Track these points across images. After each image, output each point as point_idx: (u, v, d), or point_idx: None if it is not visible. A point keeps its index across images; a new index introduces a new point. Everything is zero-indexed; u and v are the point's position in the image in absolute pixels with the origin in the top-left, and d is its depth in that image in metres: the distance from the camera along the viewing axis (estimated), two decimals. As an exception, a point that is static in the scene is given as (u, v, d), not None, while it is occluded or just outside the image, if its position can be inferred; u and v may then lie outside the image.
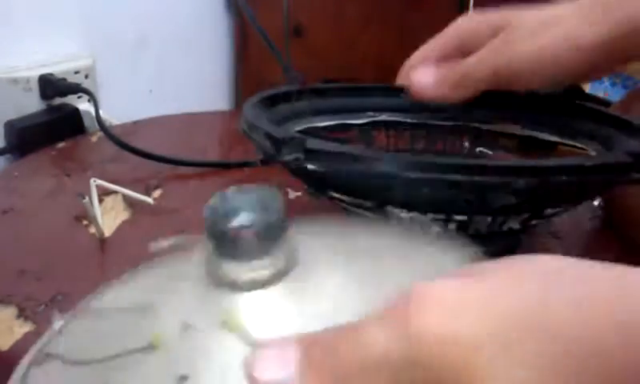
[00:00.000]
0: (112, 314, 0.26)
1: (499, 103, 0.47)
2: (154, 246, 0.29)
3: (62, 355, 0.24)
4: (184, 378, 0.21)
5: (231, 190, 0.24)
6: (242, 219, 0.23)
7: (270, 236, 0.23)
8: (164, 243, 0.28)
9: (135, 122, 0.71)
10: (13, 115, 0.66)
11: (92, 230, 0.45)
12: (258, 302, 0.23)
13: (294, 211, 0.53)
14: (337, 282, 0.25)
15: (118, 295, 0.28)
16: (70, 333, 0.26)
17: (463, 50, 0.42)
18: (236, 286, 0.23)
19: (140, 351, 0.22)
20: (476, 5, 0.80)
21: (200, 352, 0.22)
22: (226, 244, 0.23)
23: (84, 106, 0.71)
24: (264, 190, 0.24)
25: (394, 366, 0.18)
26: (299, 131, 0.45)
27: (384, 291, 0.22)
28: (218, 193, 0.24)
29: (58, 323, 0.26)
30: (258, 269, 0.23)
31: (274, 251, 0.23)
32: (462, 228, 0.34)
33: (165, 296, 0.25)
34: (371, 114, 0.49)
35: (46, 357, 0.24)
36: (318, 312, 0.23)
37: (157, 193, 0.52)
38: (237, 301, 0.23)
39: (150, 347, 0.22)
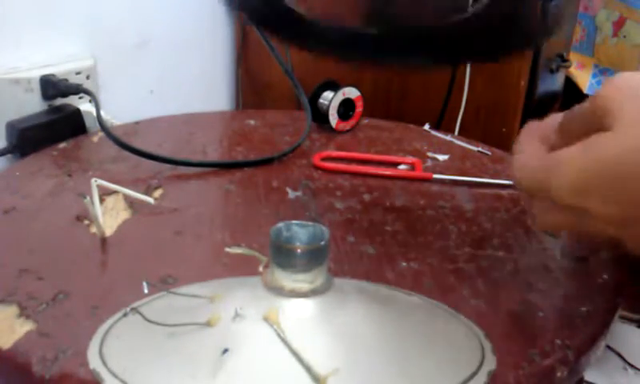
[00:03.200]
0: (186, 298, 0.34)
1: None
2: (229, 250, 0.41)
3: (143, 314, 0.32)
4: (226, 350, 0.28)
5: (293, 222, 0.32)
6: (296, 240, 0.32)
7: (313, 258, 0.31)
8: (237, 250, 0.41)
9: (136, 123, 0.71)
10: (14, 116, 0.66)
11: (93, 229, 0.45)
12: (295, 308, 0.31)
13: (294, 210, 0.53)
14: (361, 312, 0.32)
15: (195, 288, 0.36)
16: (153, 303, 0.35)
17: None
18: (282, 292, 0.31)
19: (199, 325, 0.30)
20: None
21: (243, 335, 0.30)
22: (281, 256, 0.31)
23: (85, 106, 0.71)
24: (316, 226, 0.32)
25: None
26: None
27: (401, 335, 0.32)
28: (284, 222, 0.32)
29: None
30: (301, 282, 0.31)
31: (315, 272, 0.31)
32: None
33: (228, 292, 0.33)
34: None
35: (130, 311, 0.33)
36: (339, 329, 0.30)
37: (157, 193, 0.53)
38: (279, 303, 0.31)
39: (208, 324, 0.30)
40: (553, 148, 0.34)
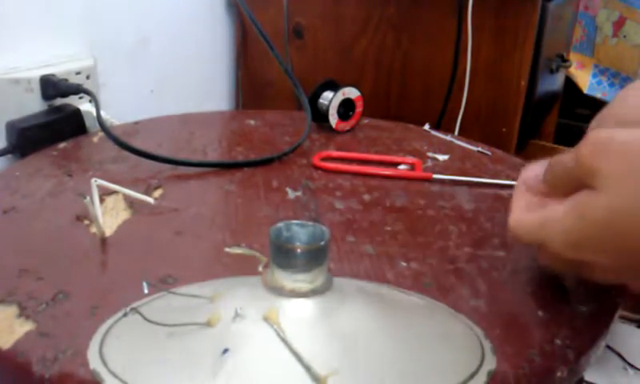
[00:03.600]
0: (186, 298, 0.34)
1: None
2: (229, 250, 0.42)
3: (143, 314, 0.32)
4: (226, 350, 0.28)
5: (293, 222, 0.32)
6: (296, 240, 0.32)
7: (313, 258, 0.31)
8: (237, 250, 0.41)
9: (136, 123, 0.71)
10: (14, 115, 0.66)
11: (93, 229, 0.45)
12: (295, 308, 0.31)
13: (294, 210, 0.53)
14: (361, 312, 0.32)
15: (195, 288, 0.36)
16: (153, 303, 0.35)
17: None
18: (282, 292, 0.31)
19: (199, 325, 0.30)
20: (475, 7, 0.80)
21: (243, 335, 0.29)
22: (281, 256, 0.31)
23: (85, 106, 0.71)
24: (316, 226, 0.32)
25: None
26: None
27: (401, 335, 0.31)
28: (284, 222, 0.32)
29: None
30: (300, 282, 0.31)
31: (315, 272, 0.31)
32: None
33: (228, 292, 0.33)
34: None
35: (130, 311, 0.33)
36: (339, 329, 0.30)
37: (157, 193, 0.53)
38: (279, 303, 0.30)
39: (208, 324, 0.30)
40: (541, 197, 0.37)
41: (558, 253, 0.34)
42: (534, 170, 0.38)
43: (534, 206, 0.37)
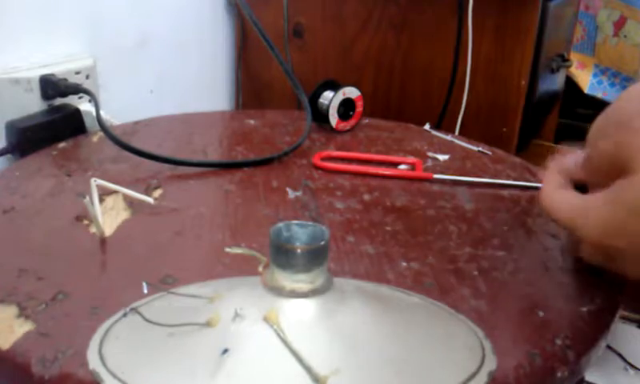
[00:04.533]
0: (186, 298, 0.34)
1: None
2: (229, 250, 0.41)
3: (143, 314, 0.32)
4: (226, 350, 0.28)
5: (293, 222, 0.32)
6: (296, 240, 0.32)
7: (313, 258, 0.31)
8: (237, 250, 0.41)
9: (136, 122, 0.71)
10: (14, 115, 0.66)
11: (93, 229, 0.45)
12: (295, 308, 0.31)
13: (294, 210, 0.53)
14: (361, 312, 0.32)
15: (195, 288, 0.36)
16: (152, 303, 0.35)
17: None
18: (282, 293, 0.31)
19: (200, 325, 0.30)
20: (475, 7, 0.80)
21: (242, 335, 0.29)
22: (281, 256, 0.31)
23: (85, 106, 0.71)
24: (316, 226, 0.32)
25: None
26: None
27: (401, 335, 0.32)
28: (284, 222, 0.32)
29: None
30: (301, 282, 0.31)
31: (315, 272, 0.31)
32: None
33: (228, 292, 0.33)
34: None
35: (130, 311, 0.33)
36: (339, 329, 0.30)
37: (157, 192, 0.53)
38: (279, 304, 0.30)
39: (208, 324, 0.30)
40: (576, 181, 0.40)
41: (590, 239, 0.36)
42: (569, 159, 0.41)
43: (570, 194, 0.39)
